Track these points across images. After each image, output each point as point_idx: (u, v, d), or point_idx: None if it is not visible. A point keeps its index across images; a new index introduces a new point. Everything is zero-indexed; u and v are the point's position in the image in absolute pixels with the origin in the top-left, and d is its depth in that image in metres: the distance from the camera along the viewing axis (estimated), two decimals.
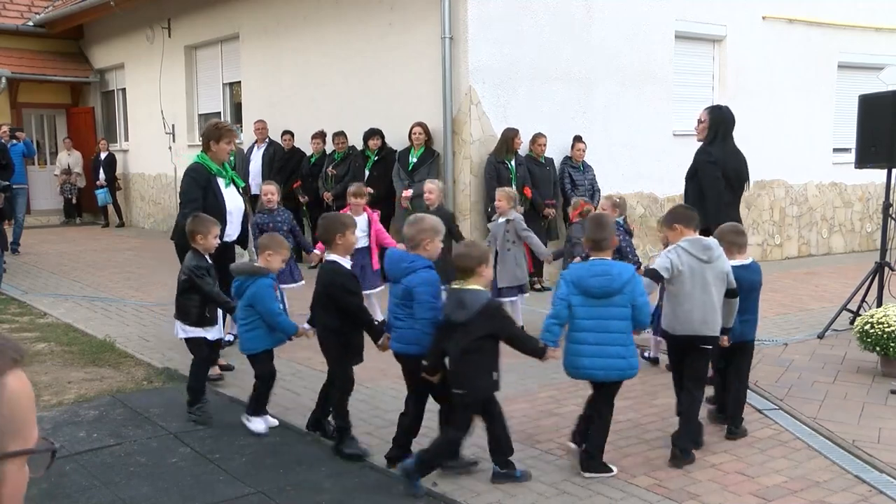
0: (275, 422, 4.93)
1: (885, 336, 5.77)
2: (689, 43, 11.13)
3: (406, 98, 9.98)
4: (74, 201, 17.40)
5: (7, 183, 11.17)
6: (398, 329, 4.21)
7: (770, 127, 11.89)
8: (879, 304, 6.85)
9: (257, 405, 4.88)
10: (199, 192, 5.86)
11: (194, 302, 5.09)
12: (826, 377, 5.97)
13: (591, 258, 4.25)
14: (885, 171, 7.26)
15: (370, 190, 9.69)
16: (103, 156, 16.47)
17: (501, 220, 7.11)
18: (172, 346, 6.89)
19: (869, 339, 5.88)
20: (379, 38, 10.35)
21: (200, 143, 6.20)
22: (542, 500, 3.90)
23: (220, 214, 5.74)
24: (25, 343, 6.91)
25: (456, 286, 4.03)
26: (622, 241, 6.55)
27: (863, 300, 7.20)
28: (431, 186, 7.37)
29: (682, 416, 4.42)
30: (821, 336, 7.14)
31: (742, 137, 11.79)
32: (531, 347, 4.07)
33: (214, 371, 5.74)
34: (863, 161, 7.40)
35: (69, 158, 17.00)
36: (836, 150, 12.63)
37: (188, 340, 5.19)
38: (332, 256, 4.49)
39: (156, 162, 16.02)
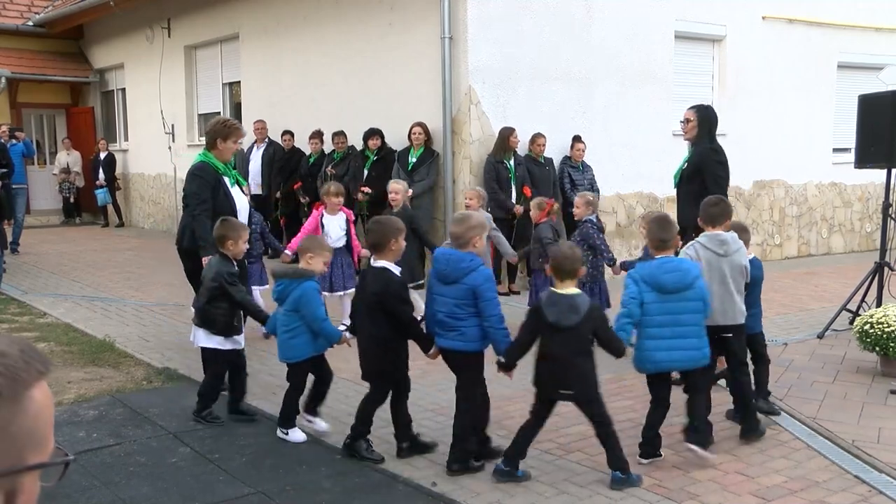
0: (325, 425, 4.74)
1: (884, 336, 5.77)
2: (688, 43, 11.13)
3: (406, 98, 9.98)
4: (73, 200, 17.39)
5: (5, 170, 11.23)
6: (460, 328, 4.17)
7: (770, 127, 11.91)
8: (879, 304, 6.85)
9: (288, 416, 4.69)
10: (209, 192, 5.62)
11: (222, 310, 4.86)
12: (826, 377, 5.97)
13: (658, 256, 4.42)
14: (884, 171, 7.27)
15: (368, 190, 9.74)
16: (102, 156, 16.48)
17: None
18: (172, 346, 6.90)
19: (868, 339, 5.88)
20: (379, 38, 10.35)
21: (204, 142, 5.91)
22: (542, 500, 3.90)
23: (232, 215, 5.54)
24: None
25: (559, 291, 4.10)
26: (596, 237, 6.63)
27: (862, 300, 7.20)
28: (397, 187, 7.34)
29: (736, 396, 4.80)
30: (820, 336, 7.14)
31: (741, 137, 11.87)
32: (617, 346, 4.18)
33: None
34: (862, 161, 7.41)
35: (68, 158, 17.01)
36: (835, 149, 12.63)
37: (208, 350, 4.98)
38: (382, 263, 4.31)
39: (155, 162, 16.02)
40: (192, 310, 5.31)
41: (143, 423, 4.99)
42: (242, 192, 6.05)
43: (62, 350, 6.73)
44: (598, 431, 4.10)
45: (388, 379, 4.45)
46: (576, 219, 7.02)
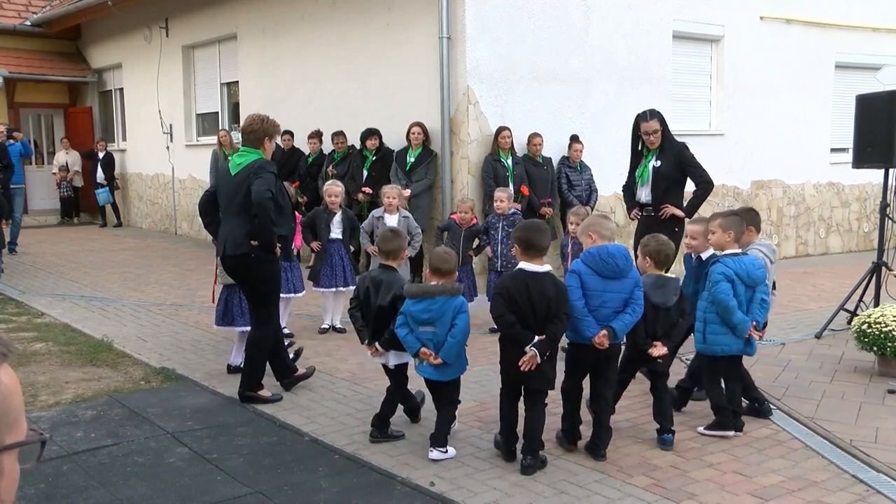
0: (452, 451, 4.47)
1: (882, 336, 5.78)
2: (686, 43, 11.14)
3: (404, 98, 9.98)
4: (72, 194, 17.34)
5: (3, 164, 11.25)
6: (626, 321, 4.34)
7: (767, 127, 11.92)
8: (877, 304, 6.87)
9: (445, 435, 4.45)
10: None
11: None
12: (823, 377, 5.98)
13: (742, 253, 4.79)
14: (881, 171, 7.28)
15: (369, 190, 9.73)
16: (101, 155, 16.47)
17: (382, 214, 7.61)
18: (170, 345, 6.90)
19: (866, 339, 5.89)
20: (377, 38, 10.35)
21: (244, 139, 5.29)
22: (540, 499, 3.90)
23: (292, 216, 5.52)
24: (22, 343, 6.90)
25: (663, 274, 4.68)
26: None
27: (860, 300, 7.21)
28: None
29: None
30: (818, 336, 7.15)
31: (739, 137, 11.87)
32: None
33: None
34: (860, 161, 7.42)
35: (67, 157, 17.01)
36: (833, 150, 12.66)
37: (399, 368, 4.74)
38: (549, 266, 4.27)
39: (153, 162, 16.02)
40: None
41: (141, 423, 4.99)
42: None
43: (60, 350, 6.72)
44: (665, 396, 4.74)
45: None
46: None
